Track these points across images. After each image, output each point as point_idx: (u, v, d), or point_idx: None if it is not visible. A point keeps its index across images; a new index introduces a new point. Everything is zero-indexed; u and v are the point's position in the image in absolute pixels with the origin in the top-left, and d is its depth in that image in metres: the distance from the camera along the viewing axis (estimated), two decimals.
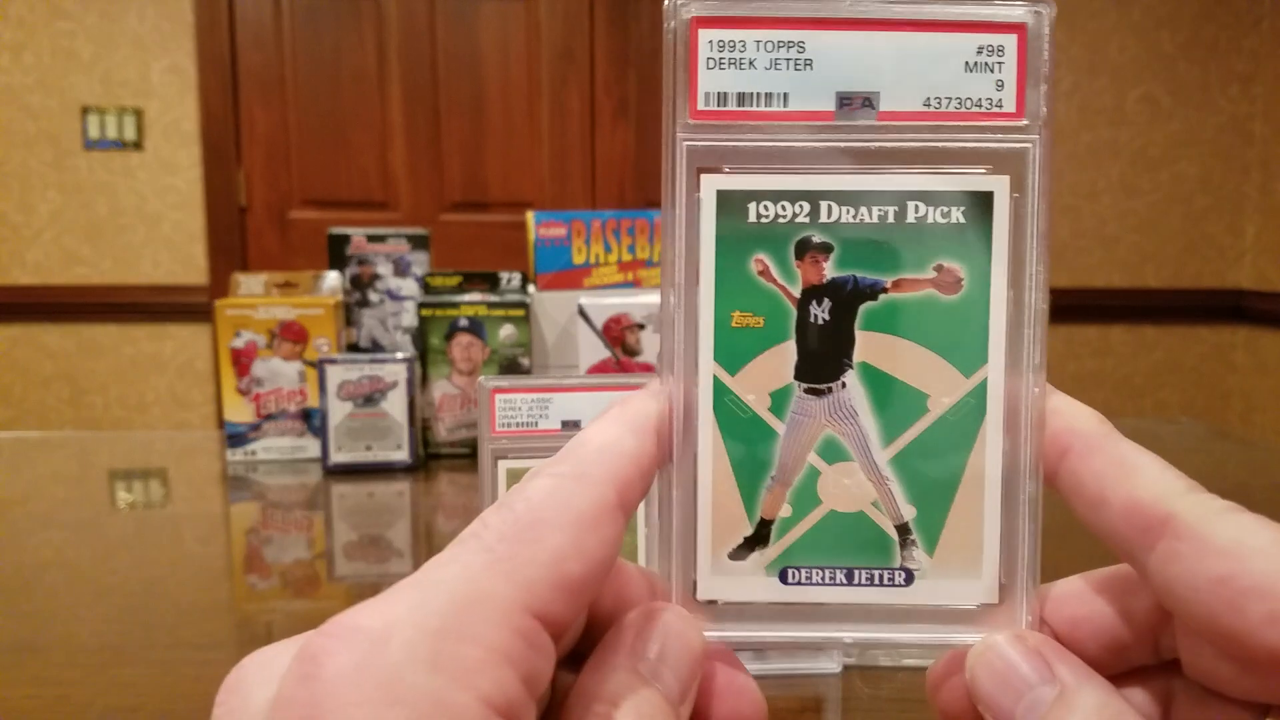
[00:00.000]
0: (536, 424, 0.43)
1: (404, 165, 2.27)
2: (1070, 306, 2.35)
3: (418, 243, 0.95)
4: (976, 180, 0.20)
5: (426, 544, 0.67)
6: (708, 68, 0.20)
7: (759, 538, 0.20)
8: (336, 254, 0.94)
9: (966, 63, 0.20)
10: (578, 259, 0.91)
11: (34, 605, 0.53)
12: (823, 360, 0.20)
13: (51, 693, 0.42)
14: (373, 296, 0.94)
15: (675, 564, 0.20)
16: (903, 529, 0.20)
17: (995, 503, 0.20)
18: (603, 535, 0.17)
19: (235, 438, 0.85)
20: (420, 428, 0.85)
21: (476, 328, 0.86)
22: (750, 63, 0.20)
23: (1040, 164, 0.20)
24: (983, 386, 0.20)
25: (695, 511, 0.20)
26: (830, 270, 0.20)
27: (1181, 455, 0.93)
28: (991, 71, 0.20)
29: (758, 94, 0.20)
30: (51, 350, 2.29)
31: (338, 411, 0.81)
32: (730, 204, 0.20)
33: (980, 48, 0.20)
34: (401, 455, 0.82)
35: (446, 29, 2.24)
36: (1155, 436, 1.04)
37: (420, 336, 0.87)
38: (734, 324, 0.20)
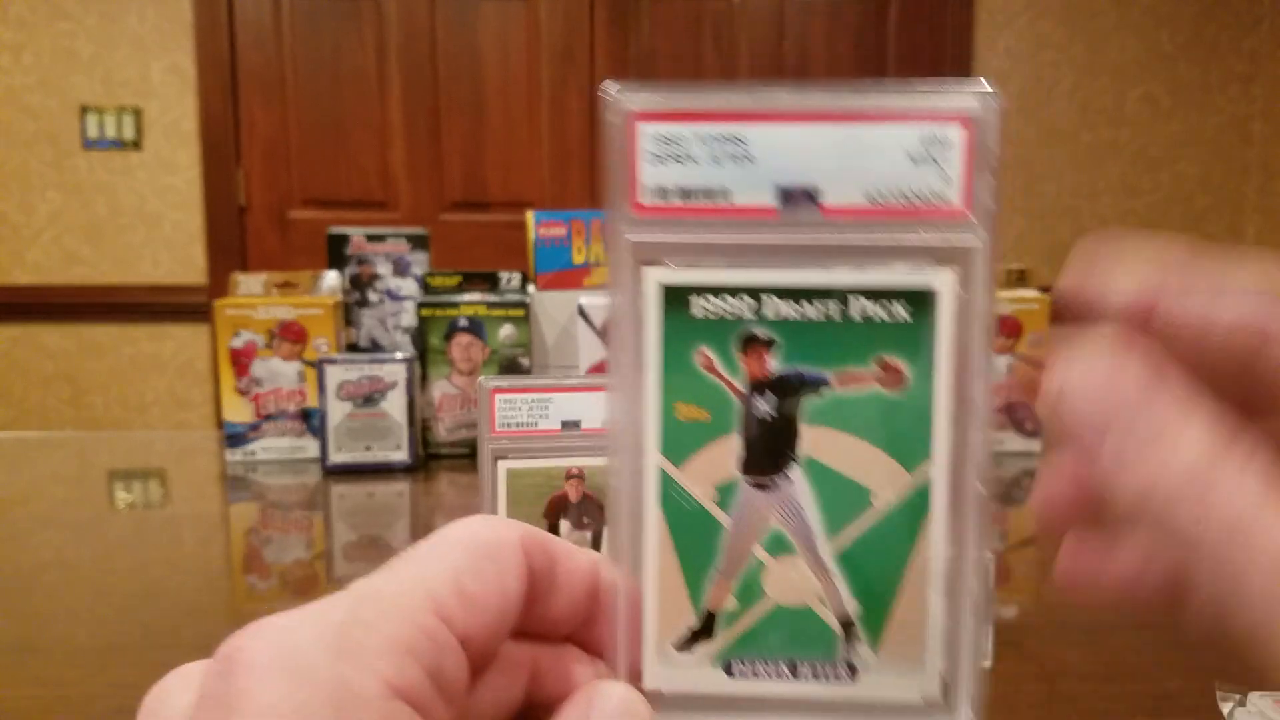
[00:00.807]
0: (536, 424, 0.43)
1: (404, 165, 2.27)
2: None
3: (417, 242, 0.95)
4: (921, 277, 0.20)
5: None
6: (649, 162, 0.20)
7: (704, 629, 0.20)
8: (336, 254, 0.94)
9: (910, 154, 0.19)
10: (577, 259, 0.91)
11: (33, 605, 0.53)
12: (767, 453, 0.20)
13: (51, 693, 0.42)
14: (372, 296, 0.94)
15: (621, 651, 0.20)
16: (847, 624, 0.20)
17: (939, 598, 0.20)
18: (502, 564, 0.18)
19: (234, 438, 0.85)
20: (420, 428, 0.85)
21: (476, 328, 0.86)
22: (691, 157, 0.20)
23: (987, 259, 0.20)
24: (926, 484, 0.20)
25: (641, 601, 0.20)
26: (775, 364, 0.20)
27: None
28: (936, 164, 0.19)
29: (699, 189, 0.20)
30: (51, 350, 2.29)
31: (337, 412, 0.81)
32: (674, 297, 0.20)
33: (924, 138, 0.19)
34: (401, 455, 0.82)
35: (446, 29, 2.24)
36: None
37: (420, 336, 0.87)
38: (679, 416, 0.20)
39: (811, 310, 0.20)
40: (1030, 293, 0.87)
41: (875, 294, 0.20)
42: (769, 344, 0.20)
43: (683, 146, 0.20)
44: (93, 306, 2.27)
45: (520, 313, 0.87)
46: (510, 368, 0.87)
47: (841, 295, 0.20)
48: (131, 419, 2.32)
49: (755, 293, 0.20)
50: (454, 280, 0.88)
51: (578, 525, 0.43)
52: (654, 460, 0.20)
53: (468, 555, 0.18)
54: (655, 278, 0.20)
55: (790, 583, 0.20)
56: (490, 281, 0.89)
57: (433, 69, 2.24)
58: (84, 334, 2.29)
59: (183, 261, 2.27)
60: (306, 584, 0.58)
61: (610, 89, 0.19)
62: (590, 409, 0.43)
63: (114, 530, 0.67)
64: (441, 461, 0.86)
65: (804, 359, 0.20)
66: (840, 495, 0.20)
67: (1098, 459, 0.18)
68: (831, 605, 0.20)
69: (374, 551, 0.63)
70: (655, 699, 0.20)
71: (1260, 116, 2.36)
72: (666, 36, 2.27)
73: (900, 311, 0.20)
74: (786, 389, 0.20)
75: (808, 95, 0.19)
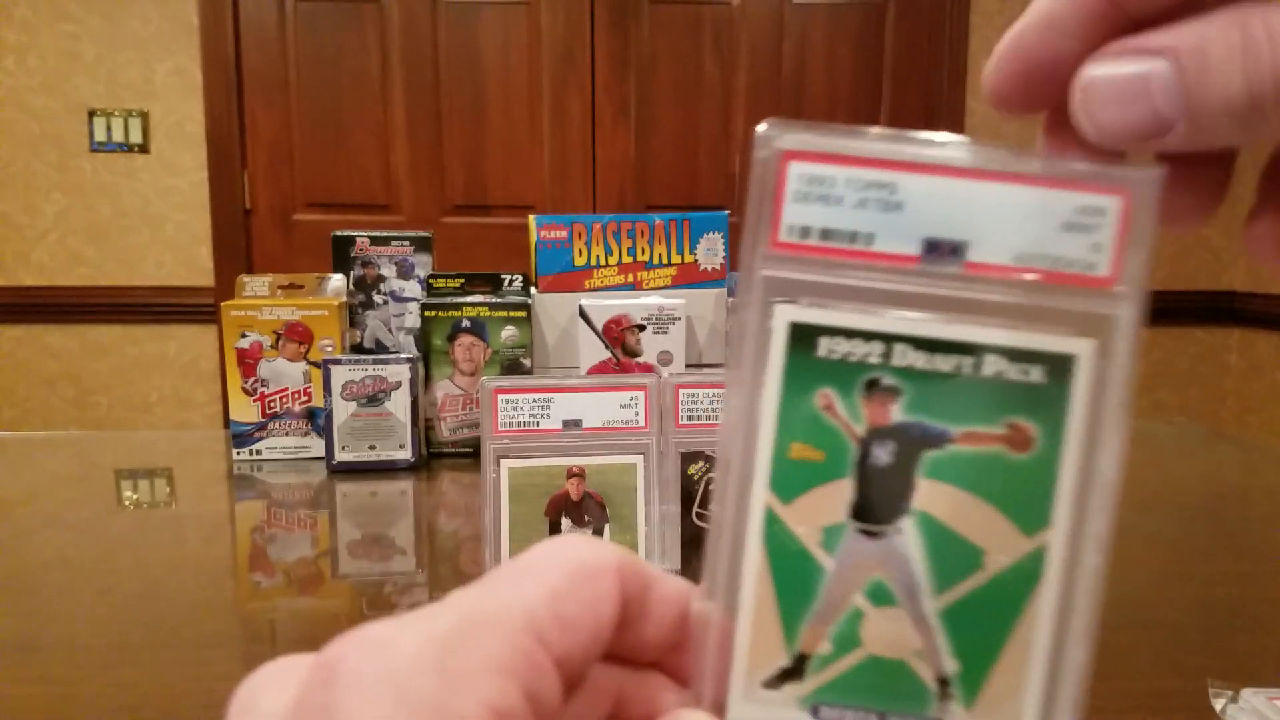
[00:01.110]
0: (538, 424, 0.44)
1: (406, 168, 2.28)
2: None
3: (420, 245, 0.95)
4: (1061, 342, 0.19)
5: (429, 542, 0.67)
6: (794, 200, 0.20)
7: (795, 670, 0.20)
8: (340, 256, 0.95)
9: (1064, 221, 0.19)
10: (579, 261, 0.91)
11: (37, 604, 0.53)
12: (880, 503, 0.20)
13: (54, 691, 0.43)
14: (376, 298, 0.95)
15: (707, 682, 0.20)
16: (943, 681, 0.20)
17: (1040, 667, 0.19)
18: (598, 588, 0.18)
19: (240, 437, 0.86)
20: (423, 427, 0.85)
21: (479, 329, 0.87)
22: (838, 199, 0.20)
23: (1130, 333, 0.19)
24: (1042, 550, 0.19)
25: (733, 635, 0.20)
26: (898, 414, 0.20)
27: (1176, 456, 0.93)
28: (1089, 233, 0.19)
29: (842, 231, 0.20)
30: (55, 351, 2.30)
31: (342, 411, 0.82)
32: (801, 336, 0.20)
33: (1081, 207, 0.19)
34: (405, 455, 0.83)
35: (448, 32, 2.24)
36: (1151, 437, 1.04)
37: (423, 337, 0.87)
38: (792, 455, 0.20)
39: (943, 363, 0.20)
40: None
41: (1013, 354, 0.19)
42: (895, 392, 0.20)
43: (831, 188, 0.20)
44: (97, 307, 2.28)
45: (522, 314, 0.87)
46: (512, 368, 0.87)
47: (978, 351, 0.19)
48: (135, 419, 2.32)
49: (888, 340, 0.20)
50: (457, 282, 0.89)
51: (578, 523, 0.43)
52: (762, 496, 0.20)
53: (565, 577, 0.17)
54: (786, 315, 0.20)
55: (889, 634, 0.20)
56: (492, 283, 0.90)
57: (435, 72, 2.25)
58: (88, 334, 2.30)
59: (187, 263, 2.28)
60: (311, 582, 0.58)
61: (764, 126, 0.20)
62: (590, 409, 0.43)
63: (119, 529, 0.68)
64: (444, 460, 0.86)
65: (928, 411, 0.20)
66: (951, 552, 0.20)
67: None
68: (929, 661, 0.20)
69: (378, 549, 0.64)
70: None
71: None
72: (667, 38, 2.27)
73: (1036, 375, 0.19)
74: (907, 440, 0.20)
75: (967, 151, 0.19)
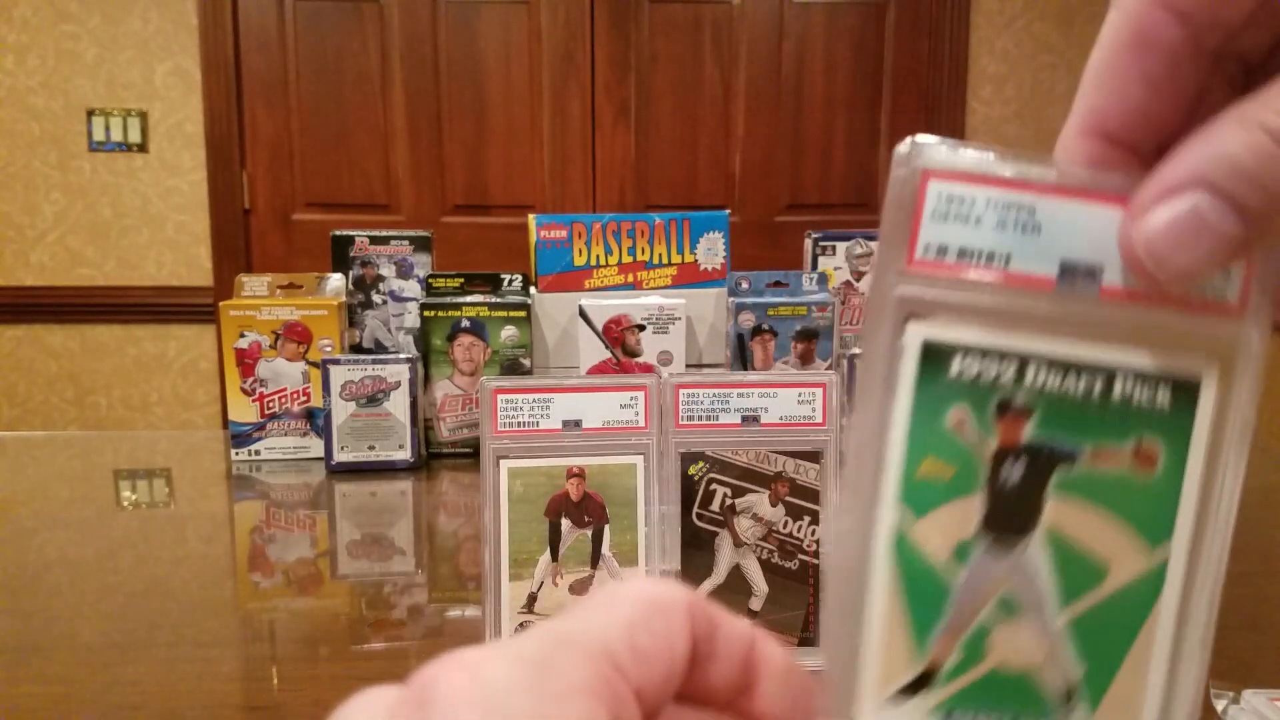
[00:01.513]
0: (538, 424, 0.44)
1: (406, 168, 2.28)
2: None
3: (420, 244, 0.95)
4: (1189, 365, 0.20)
5: (429, 542, 0.67)
6: (932, 220, 0.20)
7: (925, 681, 0.21)
8: (340, 256, 0.95)
9: None
10: (578, 261, 0.91)
11: (38, 604, 0.53)
12: (1010, 519, 0.20)
13: (55, 690, 0.43)
14: (376, 298, 0.95)
15: (837, 697, 0.21)
16: (1068, 692, 0.21)
17: (1160, 676, 0.20)
18: (670, 622, 0.18)
19: (239, 437, 0.86)
20: (422, 428, 0.85)
21: (478, 328, 0.87)
22: (977, 219, 0.20)
23: (1255, 360, 0.20)
24: (1164, 565, 0.20)
25: (860, 648, 0.21)
26: (1029, 432, 0.20)
27: None
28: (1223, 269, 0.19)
29: (981, 251, 0.20)
30: (55, 351, 2.30)
31: (341, 411, 0.82)
32: (934, 354, 0.20)
33: None
34: (404, 455, 0.83)
35: (448, 32, 2.24)
36: None
37: (423, 337, 0.87)
38: (922, 471, 0.20)
39: (1075, 385, 0.20)
40: None
41: (1143, 376, 0.20)
42: (1027, 412, 0.20)
43: (970, 209, 0.20)
44: (97, 307, 2.28)
45: (522, 314, 0.87)
46: (512, 368, 0.87)
47: (1109, 374, 0.20)
48: (135, 419, 2.32)
49: (1023, 360, 0.20)
50: (456, 282, 0.89)
51: (578, 524, 0.43)
52: (892, 511, 0.20)
53: (640, 609, 0.18)
54: (919, 333, 0.20)
55: (1016, 646, 0.21)
56: (492, 283, 0.90)
57: (435, 72, 2.25)
58: (88, 334, 2.30)
59: (186, 263, 2.28)
60: (311, 582, 0.58)
61: (905, 144, 0.20)
62: (590, 409, 0.43)
63: (118, 529, 0.68)
64: (444, 461, 0.87)
65: (1059, 431, 0.20)
66: (1077, 566, 0.21)
67: None
68: (1054, 671, 0.21)
69: (377, 550, 0.64)
70: None
71: None
72: (666, 39, 2.27)
73: (1163, 397, 0.20)
74: (1038, 458, 0.20)
75: (1108, 179, 0.19)
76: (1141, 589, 0.20)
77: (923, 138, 0.20)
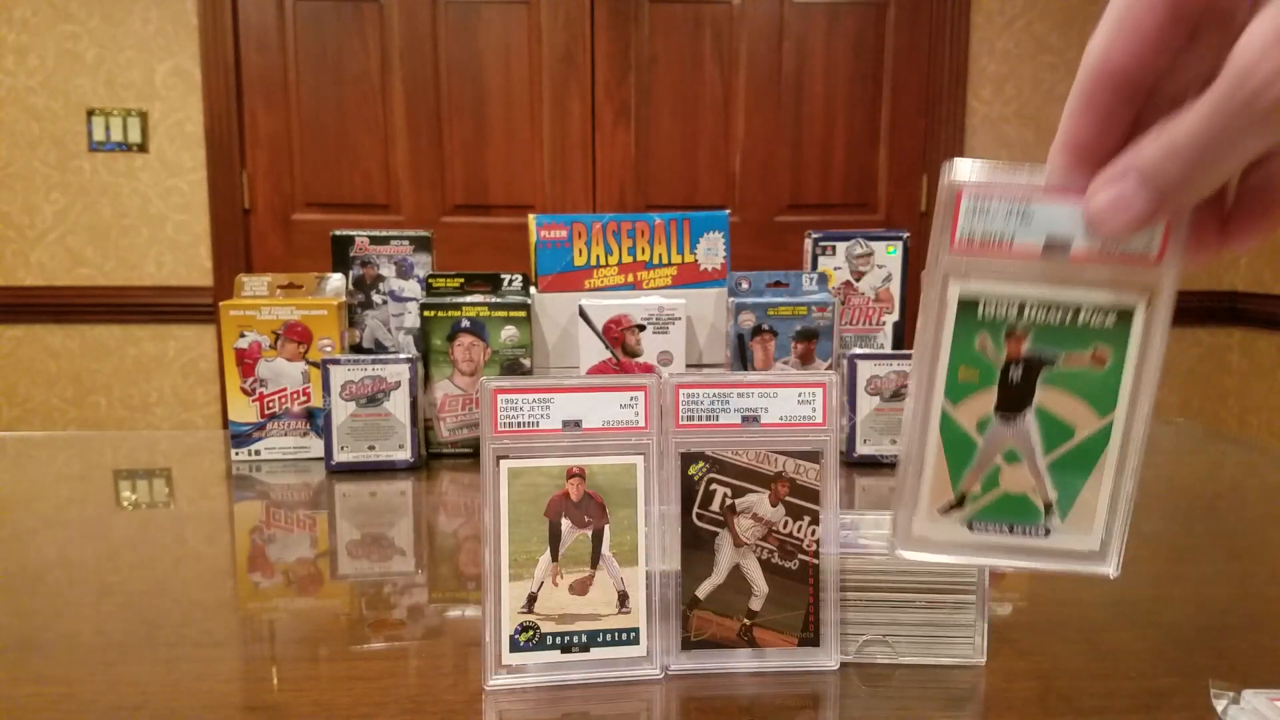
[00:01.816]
0: (538, 424, 0.44)
1: (406, 168, 2.28)
2: None
3: (420, 244, 0.95)
4: (1126, 299, 0.31)
5: (429, 543, 0.67)
6: (964, 217, 0.31)
7: (958, 503, 0.34)
8: (340, 256, 0.95)
9: None
10: (579, 261, 0.91)
11: (38, 604, 0.53)
12: (1013, 402, 0.33)
13: (55, 691, 0.43)
14: (375, 298, 0.95)
15: (903, 510, 0.33)
16: (1048, 505, 0.33)
17: (1105, 495, 0.33)
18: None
19: (239, 437, 0.86)
20: (423, 428, 0.85)
21: (478, 328, 0.87)
22: (990, 213, 0.31)
23: (1168, 293, 0.31)
24: (1110, 425, 0.33)
25: (920, 482, 0.33)
26: (1026, 347, 0.32)
27: (1178, 456, 0.93)
28: (1147, 231, 0.30)
29: (993, 234, 0.31)
30: (55, 351, 2.30)
31: (341, 411, 0.82)
32: (967, 303, 0.32)
33: None
34: (404, 455, 0.83)
35: (448, 32, 2.24)
36: (1151, 437, 1.04)
37: (423, 337, 0.87)
38: (960, 376, 0.33)
39: (1055, 315, 0.32)
40: None
41: (1097, 308, 0.31)
42: (1025, 335, 0.32)
43: (987, 207, 0.31)
44: (97, 307, 2.28)
45: (522, 314, 0.87)
46: (512, 368, 0.87)
47: (1076, 308, 0.31)
48: (135, 419, 2.32)
49: (1022, 303, 0.32)
50: (456, 282, 0.89)
51: (579, 524, 0.43)
52: (939, 401, 0.33)
53: None
54: (957, 289, 0.32)
55: (1016, 479, 0.33)
56: (492, 283, 0.90)
57: (435, 72, 2.25)
58: (88, 334, 2.30)
59: (186, 263, 2.28)
60: (311, 582, 0.58)
61: (946, 166, 0.31)
62: (590, 409, 0.43)
63: (118, 529, 0.68)
64: (444, 461, 0.87)
65: (1045, 345, 0.32)
66: (1056, 429, 0.33)
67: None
68: (1040, 494, 0.33)
69: (377, 550, 0.64)
70: (920, 541, 0.34)
71: None
72: (666, 39, 2.27)
73: (1110, 320, 0.32)
74: (1031, 363, 0.32)
75: (1071, 182, 0.29)
76: (1095, 441, 0.33)
77: (958, 162, 0.30)
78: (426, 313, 0.86)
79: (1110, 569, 0.34)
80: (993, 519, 0.33)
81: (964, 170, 0.30)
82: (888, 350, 0.95)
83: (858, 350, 0.84)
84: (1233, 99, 0.24)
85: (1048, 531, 0.34)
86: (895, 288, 0.96)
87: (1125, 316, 0.31)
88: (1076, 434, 0.33)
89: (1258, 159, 0.27)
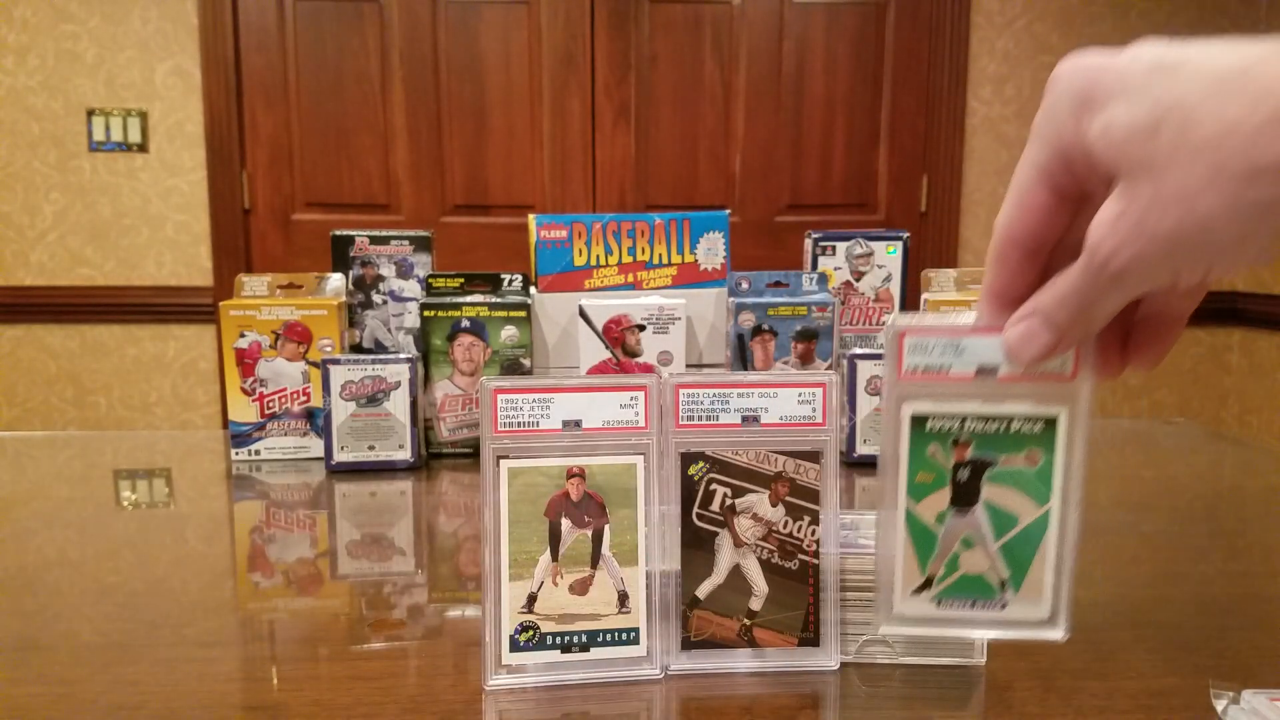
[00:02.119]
0: (538, 424, 0.44)
1: (406, 168, 2.28)
2: None
3: (420, 244, 0.95)
4: (1050, 409, 0.38)
5: (429, 543, 0.67)
6: (908, 353, 0.38)
7: (927, 584, 0.40)
8: (340, 256, 0.95)
9: None
10: (579, 261, 0.91)
11: (38, 603, 0.53)
12: (965, 497, 0.40)
13: (55, 690, 0.43)
14: (375, 298, 0.95)
15: (882, 594, 0.40)
16: (1002, 582, 0.40)
17: (1051, 570, 0.40)
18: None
19: (239, 437, 0.86)
20: (423, 428, 0.85)
21: (478, 328, 0.87)
22: (928, 349, 0.38)
23: (1085, 403, 0.38)
24: (1048, 513, 0.39)
25: (895, 569, 0.40)
26: (970, 452, 0.39)
27: (1178, 456, 0.93)
28: (1061, 356, 0.36)
29: (933, 366, 0.38)
30: (55, 351, 2.30)
31: (341, 411, 0.82)
32: (918, 420, 0.39)
33: None
34: (404, 455, 0.83)
35: (449, 33, 2.24)
36: (1151, 437, 1.04)
37: (423, 337, 0.87)
38: (918, 479, 0.39)
39: (991, 426, 0.39)
40: None
41: (1026, 418, 0.39)
42: (968, 443, 0.39)
43: (926, 344, 0.38)
44: (97, 307, 2.28)
45: (522, 314, 0.87)
46: (512, 368, 0.87)
47: (1009, 418, 0.39)
48: (135, 419, 2.32)
49: (963, 417, 0.39)
50: (456, 282, 0.89)
51: (578, 524, 0.43)
52: (904, 501, 0.40)
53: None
54: (909, 410, 0.39)
55: (974, 562, 0.40)
56: (492, 283, 0.90)
57: (435, 72, 2.25)
58: (88, 334, 2.30)
59: (186, 263, 2.28)
60: (311, 582, 0.58)
61: (889, 318, 0.40)
62: (590, 409, 0.43)
63: (118, 529, 0.68)
64: (444, 461, 0.87)
65: (985, 449, 0.39)
66: (1002, 518, 0.40)
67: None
68: (995, 573, 0.40)
69: (377, 550, 0.64)
70: (900, 619, 0.40)
71: None
72: (666, 39, 2.27)
73: (1039, 427, 0.39)
74: (976, 465, 0.39)
75: (993, 321, 0.36)
76: (1037, 526, 0.39)
77: (899, 315, 0.38)
78: (426, 313, 0.86)
79: (1060, 634, 0.40)
80: (957, 596, 0.40)
81: (904, 319, 0.38)
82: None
83: (858, 350, 0.84)
84: (1090, 268, 0.31)
85: (1004, 605, 0.40)
86: (895, 288, 0.96)
87: (1050, 423, 0.38)
88: (1020, 521, 0.39)
89: (1140, 298, 0.34)
